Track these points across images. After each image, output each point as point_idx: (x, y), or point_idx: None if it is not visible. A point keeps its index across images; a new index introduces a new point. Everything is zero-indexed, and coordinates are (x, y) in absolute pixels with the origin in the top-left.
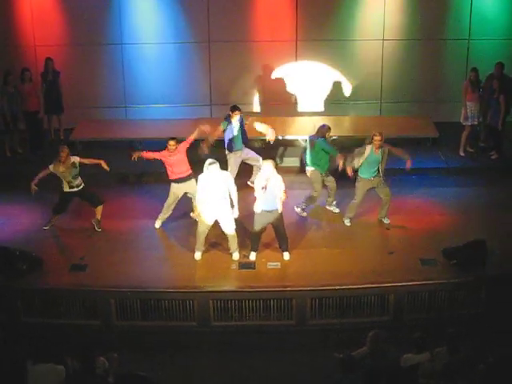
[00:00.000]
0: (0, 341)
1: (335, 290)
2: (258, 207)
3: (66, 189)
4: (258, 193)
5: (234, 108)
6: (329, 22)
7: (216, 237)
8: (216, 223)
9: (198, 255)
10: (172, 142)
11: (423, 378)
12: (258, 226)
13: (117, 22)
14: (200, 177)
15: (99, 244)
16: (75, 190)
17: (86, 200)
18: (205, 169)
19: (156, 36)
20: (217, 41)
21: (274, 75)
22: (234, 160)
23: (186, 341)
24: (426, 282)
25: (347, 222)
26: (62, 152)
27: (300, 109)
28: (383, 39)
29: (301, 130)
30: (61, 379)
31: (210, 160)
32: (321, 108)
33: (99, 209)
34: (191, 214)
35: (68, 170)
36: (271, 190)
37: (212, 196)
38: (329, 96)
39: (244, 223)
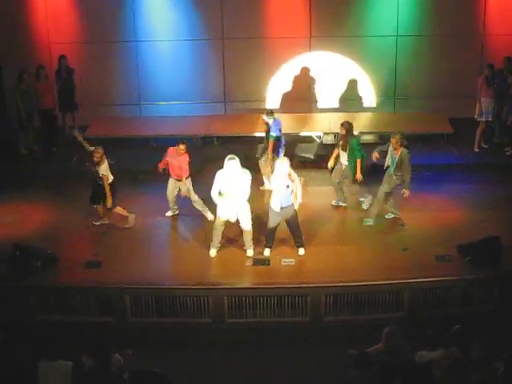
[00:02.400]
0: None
1: (350, 286)
2: (276, 205)
3: None
4: (276, 191)
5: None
6: (342, 18)
7: (230, 233)
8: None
9: (213, 252)
10: (182, 147)
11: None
12: (272, 222)
13: (131, 19)
14: (218, 172)
15: (113, 241)
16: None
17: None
18: (224, 164)
19: (170, 33)
20: (230, 38)
21: (289, 71)
22: None
23: (201, 337)
24: (440, 279)
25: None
26: (97, 153)
27: (316, 105)
28: (397, 35)
29: (316, 127)
30: (67, 374)
31: (229, 156)
32: (336, 104)
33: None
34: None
35: None
36: (289, 187)
37: (229, 191)
38: (343, 92)
39: (259, 220)
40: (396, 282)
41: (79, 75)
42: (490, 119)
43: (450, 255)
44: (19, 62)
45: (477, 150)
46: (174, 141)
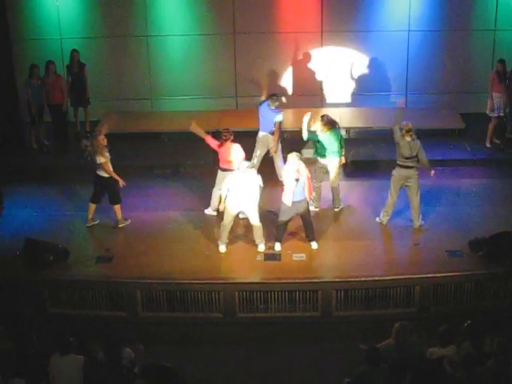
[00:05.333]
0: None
1: (361, 281)
2: (288, 199)
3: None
4: (288, 185)
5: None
6: (354, 13)
7: (242, 228)
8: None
9: (222, 248)
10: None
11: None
12: (284, 217)
13: (142, 14)
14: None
15: (125, 236)
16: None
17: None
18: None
19: (181, 28)
20: (242, 32)
21: (300, 66)
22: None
23: (212, 332)
24: (451, 274)
25: None
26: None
27: (326, 100)
28: (409, 30)
29: None
30: (79, 368)
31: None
32: (347, 99)
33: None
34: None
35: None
36: (300, 181)
37: (238, 188)
38: (355, 87)
39: (270, 215)
40: (407, 277)
41: (91, 70)
42: (502, 114)
43: (462, 251)
44: (31, 57)
45: (489, 145)
46: (186, 135)
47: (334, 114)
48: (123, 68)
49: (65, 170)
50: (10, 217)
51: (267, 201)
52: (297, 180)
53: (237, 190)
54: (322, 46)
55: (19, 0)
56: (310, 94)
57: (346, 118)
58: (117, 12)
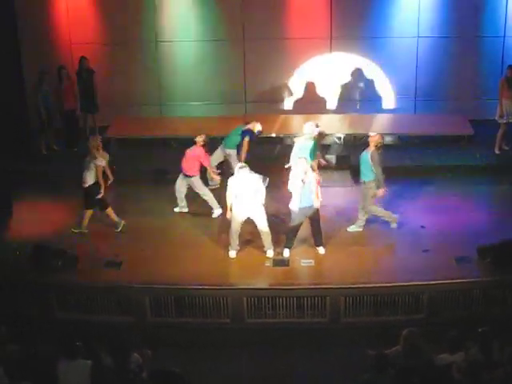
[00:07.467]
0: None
1: (369, 287)
2: (294, 205)
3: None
4: (294, 189)
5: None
6: (363, 20)
7: (250, 234)
8: (249, 221)
9: (232, 254)
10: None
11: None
12: (295, 222)
13: (151, 19)
14: (229, 180)
15: (134, 241)
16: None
17: None
18: (235, 172)
19: (190, 34)
20: (251, 38)
21: (309, 72)
22: None
23: (220, 338)
24: (460, 280)
25: None
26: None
27: (333, 106)
28: (418, 36)
29: (334, 128)
30: (87, 373)
31: (240, 164)
32: (356, 105)
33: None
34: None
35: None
36: (307, 186)
37: (243, 194)
38: (363, 94)
39: (277, 221)
40: (415, 283)
41: (100, 76)
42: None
43: (470, 257)
44: (40, 63)
45: (497, 151)
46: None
47: (342, 120)
48: (132, 74)
49: (74, 175)
50: (19, 222)
51: (274, 206)
52: (303, 181)
53: (242, 195)
54: (331, 52)
55: (29, 6)
56: (318, 99)
57: (354, 123)
58: (126, 18)
